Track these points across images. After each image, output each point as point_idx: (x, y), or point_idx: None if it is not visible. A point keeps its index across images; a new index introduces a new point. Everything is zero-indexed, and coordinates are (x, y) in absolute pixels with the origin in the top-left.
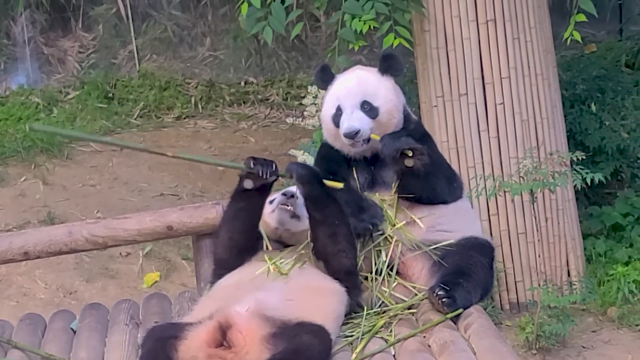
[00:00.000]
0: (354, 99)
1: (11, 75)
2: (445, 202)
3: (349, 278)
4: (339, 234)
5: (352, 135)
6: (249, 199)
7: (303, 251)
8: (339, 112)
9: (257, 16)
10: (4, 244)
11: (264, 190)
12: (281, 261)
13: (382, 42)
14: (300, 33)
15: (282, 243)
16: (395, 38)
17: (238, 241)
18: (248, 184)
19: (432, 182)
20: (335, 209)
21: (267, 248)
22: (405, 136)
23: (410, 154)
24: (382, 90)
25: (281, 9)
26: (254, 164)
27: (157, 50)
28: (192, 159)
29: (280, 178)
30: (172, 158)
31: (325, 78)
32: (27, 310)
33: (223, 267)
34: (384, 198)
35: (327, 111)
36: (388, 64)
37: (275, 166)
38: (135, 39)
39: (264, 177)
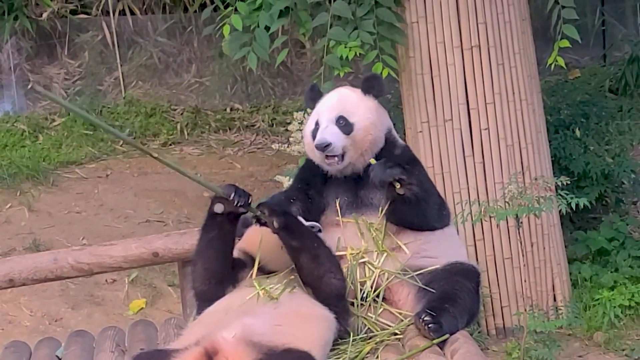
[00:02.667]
0: (331, 113)
1: None
2: (434, 229)
3: (339, 301)
4: (321, 255)
5: (322, 148)
6: (220, 227)
7: (292, 276)
8: (317, 126)
9: (241, 41)
10: None
11: (233, 219)
12: (270, 286)
13: (369, 69)
14: (285, 59)
15: (265, 269)
16: (383, 68)
17: (215, 271)
18: (219, 207)
19: (422, 209)
20: (310, 234)
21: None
22: (394, 164)
23: (399, 186)
24: (361, 108)
25: (265, 35)
26: (233, 190)
27: (143, 76)
28: (174, 166)
29: (248, 212)
30: (157, 168)
31: (314, 97)
32: (12, 338)
33: (204, 299)
34: (372, 222)
35: (308, 126)
36: (370, 85)
37: (250, 200)
38: (121, 65)
39: (236, 204)
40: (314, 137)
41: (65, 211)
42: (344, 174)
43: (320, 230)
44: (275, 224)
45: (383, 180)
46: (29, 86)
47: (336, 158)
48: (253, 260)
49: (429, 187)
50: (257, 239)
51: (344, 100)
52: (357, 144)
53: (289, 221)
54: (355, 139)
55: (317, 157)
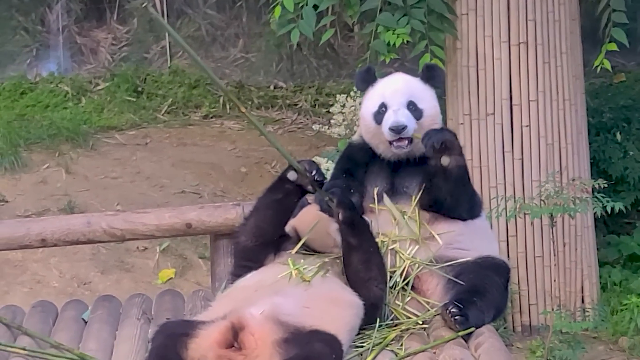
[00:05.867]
0: (401, 97)
1: (42, 62)
2: (462, 218)
3: (373, 310)
4: (373, 261)
5: (399, 130)
6: (286, 193)
7: (327, 260)
8: (382, 109)
9: (288, 18)
10: (21, 229)
11: (299, 192)
12: (304, 267)
13: (415, 57)
14: (332, 41)
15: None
16: (431, 59)
17: (265, 231)
18: (292, 175)
19: (457, 191)
20: (370, 237)
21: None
22: (450, 132)
23: (449, 152)
24: (427, 95)
25: (312, 13)
26: (315, 168)
27: (190, 47)
28: (259, 127)
29: (316, 192)
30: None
31: (368, 79)
32: (40, 298)
33: (244, 258)
34: (404, 210)
35: (369, 109)
36: (431, 74)
37: (324, 182)
38: (169, 35)
39: (310, 177)
40: (376, 120)
41: (102, 176)
42: (398, 157)
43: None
44: (341, 217)
45: (439, 141)
46: (143, 4)
47: (406, 141)
48: (299, 239)
49: (468, 174)
50: (311, 220)
51: (411, 86)
52: (424, 131)
53: (355, 218)
54: (423, 125)
55: (378, 139)
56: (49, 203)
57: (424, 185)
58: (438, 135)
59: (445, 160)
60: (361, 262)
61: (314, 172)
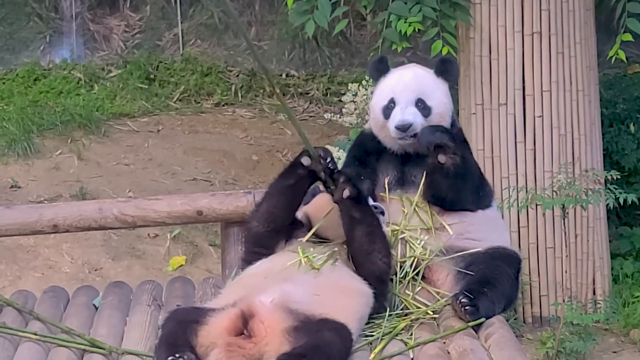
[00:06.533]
0: (410, 94)
1: (55, 49)
2: (468, 210)
3: (379, 283)
4: (376, 233)
5: (405, 129)
6: (298, 179)
7: (336, 248)
8: (391, 104)
9: (303, 9)
10: (34, 215)
11: (311, 178)
12: (314, 255)
13: (428, 46)
14: (345, 30)
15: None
16: (442, 45)
17: (277, 217)
18: (306, 160)
19: (458, 186)
20: (372, 213)
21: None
22: (444, 130)
23: (444, 151)
24: (438, 91)
25: (327, 4)
26: (329, 155)
27: (202, 35)
28: (286, 108)
29: (327, 177)
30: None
31: (381, 69)
32: (52, 283)
33: (255, 244)
34: (412, 199)
35: (379, 102)
36: (445, 68)
37: (336, 168)
38: (181, 22)
39: (324, 163)
40: (385, 114)
41: (114, 162)
42: (405, 150)
43: (382, 213)
44: (347, 192)
45: (430, 142)
46: None
47: (411, 138)
48: (311, 227)
49: (470, 167)
50: (324, 207)
51: (421, 82)
52: None
53: (360, 193)
54: (431, 122)
55: (384, 133)
56: (61, 189)
57: (424, 180)
58: (429, 137)
59: (441, 159)
60: (365, 234)
61: (328, 160)
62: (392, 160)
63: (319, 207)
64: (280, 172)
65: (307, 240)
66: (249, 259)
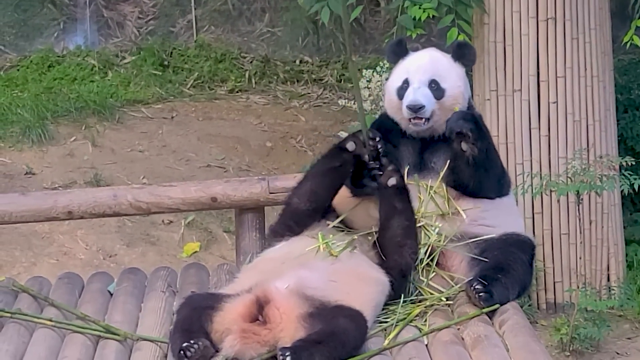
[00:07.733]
0: (424, 75)
1: (69, 36)
2: (488, 198)
3: (401, 276)
4: (412, 228)
5: (416, 109)
6: (343, 163)
7: (356, 236)
8: (405, 85)
9: None
10: (49, 201)
11: (354, 162)
12: (333, 242)
13: (442, 33)
14: (359, 16)
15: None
16: (458, 34)
17: (319, 196)
18: (351, 145)
19: (479, 174)
20: (412, 208)
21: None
22: (471, 118)
23: (466, 139)
24: (453, 74)
25: None
26: (373, 135)
27: (216, 22)
28: (356, 83)
29: (373, 162)
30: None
31: (399, 52)
32: (67, 270)
33: (291, 218)
34: (431, 185)
35: (394, 83)
36: (462, 53)
37: (381, 152)
38: (195, 9)
39: (373, 143)
40: (399, 95)
41: (128, 149)
42: (421, 135)
43: None
44: (393, 181)
45: (453, 129)
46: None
47: (423, 120)
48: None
49: (492, 156)
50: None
51: (436, 64)
52: (445, 110)
53: (406, 184)
54: (444, 105)
55: (399, 114)
56: (76, 176)
57: (448, 164)
58: (453, 124)
59: (464, 146)
60: (401, 227)
61: (377, 139)
62: (410, 145)
63: (348, 197)
64: (323, 154)
65: (330, 227)
66: (279, 231)
